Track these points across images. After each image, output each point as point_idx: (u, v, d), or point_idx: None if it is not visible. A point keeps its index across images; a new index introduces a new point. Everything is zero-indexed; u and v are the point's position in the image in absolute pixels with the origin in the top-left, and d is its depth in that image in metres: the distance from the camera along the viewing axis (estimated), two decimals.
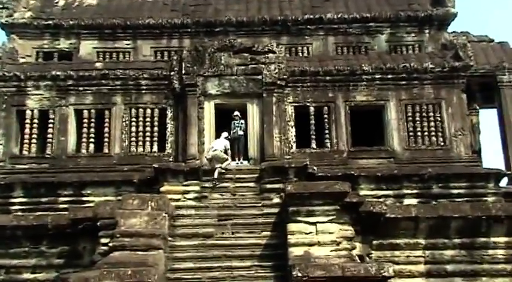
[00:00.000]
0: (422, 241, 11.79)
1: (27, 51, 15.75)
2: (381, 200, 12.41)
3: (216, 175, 12.53)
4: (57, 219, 11.75)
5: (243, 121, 13.90)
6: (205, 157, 13.03)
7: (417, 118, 14.29)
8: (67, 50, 15.90)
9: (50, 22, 15.81)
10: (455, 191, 13.28)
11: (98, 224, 10.67)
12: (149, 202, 10.54)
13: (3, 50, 14.64)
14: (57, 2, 16.63)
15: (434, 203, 12.87)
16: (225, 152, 13.04)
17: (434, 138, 14.19)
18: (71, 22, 15.82)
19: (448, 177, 13.39)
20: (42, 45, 15.89)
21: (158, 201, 10.64)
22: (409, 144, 14.13)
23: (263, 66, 13.98)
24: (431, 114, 14.33)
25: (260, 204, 11.99)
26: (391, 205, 11.97)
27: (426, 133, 14.21)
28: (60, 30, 15.89)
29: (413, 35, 16.36)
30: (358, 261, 10.43)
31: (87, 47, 15.93)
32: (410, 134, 14.21)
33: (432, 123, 14.27)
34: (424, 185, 13.40)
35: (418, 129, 14.23)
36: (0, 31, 15.95)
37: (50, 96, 14.18)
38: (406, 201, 13.11)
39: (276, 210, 11.61)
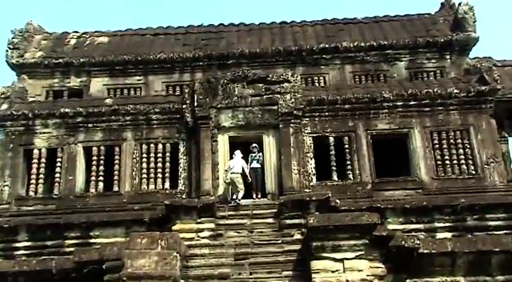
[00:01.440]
0: (461, 279, 10.68)
1: (37, 90, 15.44)
2: (412, 234, 11.43)
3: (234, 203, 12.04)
4: (62, 264, 10.94)
5: (260, 154, 13.18)
6: (224, 181, 12.47)
7: (444, 146, 13.42)
8: (77, 88, 15.56)
9: (60, 60, 15.55)
10: (492, 223, 12.21)
11: (104, 266, 9.82)
12: (159, 241, 9.74)
13: (12, 90, 14.26)
14: (68, 41, 16.42)
15: (470, 236, 11.83)
16: (243, 173, 12.50)
17: (464, 167, 13.25)
18: (81, 60, 15.55)
19: (483, 207, 12.34)
20: (52, 84, 15.59)
21: (169, 239, 9.82)
22: (437, 173, 13.20)
23: (278, 96, 13.38)
24: (459, 141, 13.47)
25: (280, 241, 11.10)
26: (424, 239, 10.94)
27: (455, 161, 13.30)
28: (70, 68, 15.61)
29: (433, 61, 15.75)
30: None
31: (98, 85, 15.57)
32: (438, 162, 13.30)
33: (461, 151, 13.37)
34: (457, 217, 12.37)
35: (446, 157, 13.33)
36: (11, 71, 15.70)
37: (59, 134, 13.67)
38: (439, 236, 12.09)
39: (297, 247, 10.71)
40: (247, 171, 12.63)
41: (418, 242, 10.47)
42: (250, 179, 12.73)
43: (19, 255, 12.24)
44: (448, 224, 12.31)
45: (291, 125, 13.27)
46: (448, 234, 12.06)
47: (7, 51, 15.33)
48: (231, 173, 12.50)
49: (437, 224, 12.32)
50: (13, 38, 15.55)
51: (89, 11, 40.66)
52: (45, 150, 13.57)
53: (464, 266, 10.71)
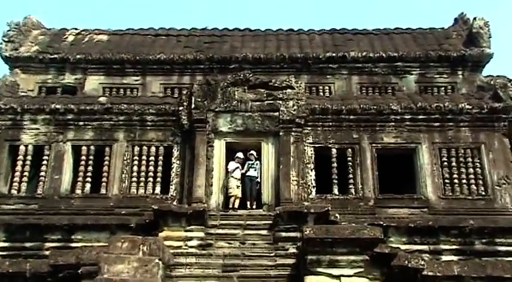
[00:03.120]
0: None
1: (30, 86, 14.83)
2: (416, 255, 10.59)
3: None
4: (38, 267, 10.17)
5: (258, 162, 12.46)
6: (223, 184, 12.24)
7: (453, 163, 12.66)
8: (71, 85, 14.92)
9: (55, 56, 14.95)
10: (502, 248, 11.38)
11: (80, 271, 9.02)
12: (140, 246, 8.94)
13: (2, 83, 13.66)
14: (66, 38, 15.87)
15: (478, 260, 10.98)
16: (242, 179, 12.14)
17: (474, 187, 12.46)
18: (77, 56, 14.95)
19: (493, 231, 11.53)
20: (45, 80, 14.97)
21: (151, 245, 9.02)
22: (445, 192, 12.41)
23: (280, 102, 12.68)
24: (469, 159, 12.70)
25: (273, 254, 10.32)
26: (429, 260, 10.11)
27: (464, 181, 12.52)
28: (65, 64, 15.00)
29: (445, 76, 15.08)
30: None
31: (93, 83, 14.93)
32: (446, 181, 12.52)
33: (471, 170, 12.60)
34: (464, 240, 11.55)
35: (455, 176, 12.55)
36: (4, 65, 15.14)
37: (47, 131, 12.97)
38: (444, 258, 11.25)
39: (291, 261, 9.93)
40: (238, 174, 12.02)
41: (422, 262, 9.68)
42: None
43: None
44: (454, 247, 11.49)
45: (292, 133, 12.56)
46: (454, 258, 11.22)
47: (1, 43, 14.78)
48: (232, 177, 11.97)
49: (443, 246, 11.51)
50: (8, 30, 15.01)
51: (93, 12, 40.52)
52: (32, 147, 12.87)
53: None
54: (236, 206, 12.02)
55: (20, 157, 12.79)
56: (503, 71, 31.68)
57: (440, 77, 15.08)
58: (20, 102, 13.23)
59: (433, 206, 12.23)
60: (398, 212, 12.14)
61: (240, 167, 12.34)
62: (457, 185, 12.47)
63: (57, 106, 13.05)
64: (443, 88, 14.89)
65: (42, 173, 12.64)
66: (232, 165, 12.35)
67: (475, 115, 12.92)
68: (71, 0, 40.94)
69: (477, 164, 12.64)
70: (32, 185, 12.80)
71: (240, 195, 12.17)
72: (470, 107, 12.96)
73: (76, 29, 16.26)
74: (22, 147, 12.87)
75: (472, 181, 12.49)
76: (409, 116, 12.93)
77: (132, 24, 34.36)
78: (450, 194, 12.41)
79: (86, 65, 14.99)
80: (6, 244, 11.70)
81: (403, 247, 11.21)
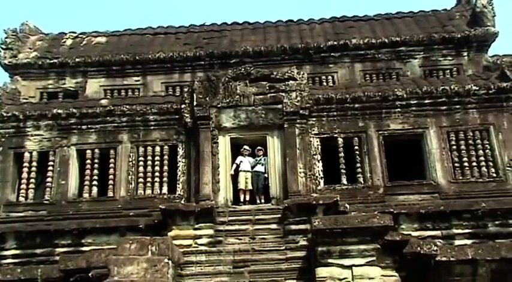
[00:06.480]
0: None
1: (31, 92, 14.79)
2: (428, 240, 10.44)
3: None
4: (48, 272, 10.19)
5: (265, 157, 12.33)
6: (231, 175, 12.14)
7: (462, 147, 12.44)
8: (73, 89, 14.87)
9: (55, 61, 14.88)
10: None
11: (90, 275, 8.97)
12: (149, 246, 8.89)
13: (3, 91, 13.61)
14: (64, 42, 15.80)
15: (492, 243, 10.79)
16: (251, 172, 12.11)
17: (484, 169, 12.25)
18: (77, 60, 14.87)
19: (505, 212, 11.36)
20: (46, 86, 14.92)
21: (160, 244, 8.95)
22: (455, 176, 12.21)
23: (283, 94, 12.51)
24: (478, 141, 12.49)
25: (283, 248, 10.18)
26: (442, 246, 9.94)
27: (474, 163, 12.30)
28: (65, 68, 14.93)
29: (450, 58, 14.82)
30: None
31: (94, 86, 14.86)
32: (456, 165, 12.32)
33: (481, 152, 12.38)
34: (477, 223, 11.39)
35: (465, 159, 12.35)
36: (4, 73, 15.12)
37: (51, 136, 12.91)
38: (457, 243, 11.09)
39: (302, 253, 9.79)
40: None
41: (435, 248, 9.52)
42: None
43: (6, 264, 11.46)
44: (467, 230, 11.33)
45: (297, 125, 12.39)
46: (468, 241, 11.07)
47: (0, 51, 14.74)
48: (240, 170, 11.88)
49: (455, 231, 11.35)
50: (6, 38, 14.95)
51: (90, 13, 40.49)
52: (37, 154, 12.82)
53: (487, 275, 9.76)
54: (247, 199, 11.94)
55: (26, 164, 12.75)
56: (510, 50, 31.15)
57: (445, 60, 14.83)
58: (22, 109, 13.18)
59: (444, 191, 12.04)
60: (409, 199, 11.96)
61: (248, 160, 12.22)
62: (467, 168, 12.27)
63: (59, 111, 12.98)
64: (448, 71, 14.63)
65: (49, 179, 12.60)
66: (240, 158, 12.25)
67: (483, 96, 12.68)
68: (66, 4, 40.92)
69: (487, 145, 12.42)
70: (40, 192, 12.77)
71: (250, 187, 12.09)
72: (477, 88, 12.72)
73: (74, 32, 16.17)
74: (27, 154, 12.84)
75: (483, 163, 12.27)
76: (415, 101, 12.72)
77: (129, 25, 34.39)
78: (460, 177, 12.21)
79: (85, 68, 14.92)
80: (17, 251, 11.71)
81: (414, 234, 11.08)
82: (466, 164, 12.29)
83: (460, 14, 15.60)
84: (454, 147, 12.41)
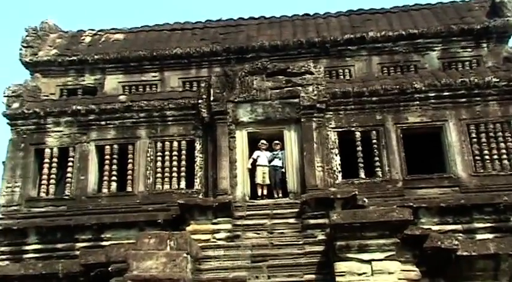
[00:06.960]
0: None
1: (51, 89, 14.98)
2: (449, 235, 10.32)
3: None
4: (69, 267, 10.34)
5: (283, 151, 12.31)
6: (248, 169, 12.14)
7: (483, 139, 12.26)
8: (92, 85, 15.03)
9: (74, 58, 15.05)
10: None
11: (109, 269, 9.07)
12: (168, 241, 8.94)
13: (24, 88, 13.79)
14: (83, 39, 15.96)
15: None
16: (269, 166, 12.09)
17: (506, 162, 12.07)
18: (95, 57, 15.02)
19: None
20: (66, 82, 15.11)
21: (178, 239, 9.01)
22: (476, 169, 12.05)
23: (300, 88, 12.47)
24: (499, 134, 12.30)
25: (302, 242, 10.16)
26: (463, 240, 9.82)
27: (496, 156, 12.12)
28: (84, 65, 15.10)
29: (469, 50, 14.61)
30: None
31: (112, 82, 14.99)
32: (477, 158, 12.16)
33: (502, 145, 12.19)
34: (499, 217, 11.25)
35: (486, 152, 12.17)
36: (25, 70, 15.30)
37: (71, 132, 13.08)
38: (479, 237, 10.96)
39: (320, 248, 9.75)
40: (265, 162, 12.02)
41: (456, 242, 9.41)
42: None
43: (28, 258, 11.68)
44: (489, 225, 11.20)
45: (314, 119, 12.35)
46: (490, 236, 10.94)
47: (21, 49, 14.92)
48: (258, 165, 11.88)
49: (476, 225, 11.22)
50: (27, 36, 15.16)
51: (108, 11, 40.80)
52: (57, 150, 12.99)
53: (510, 270, 9.61)
54: (265, 193, 11.95)
55: (46, 160, 12.93)
56: None
57: (464, 51, 14.63)
58: (43, 106, 13.36)
59: (464, 184, 11.89)
60: (428, 193, 11.84)
61: (265, 154, 12.23)
62: (488, 161, 12.09)
63: (79, 107, 13.13)
64: (467, 62, 14.44)
65: (69, 175, 12.76)
66: (257, 153, 12.26)
67: (503, 88, 12.47)
68: (85, 2, 41.31)
69: (508, 138, 12.22)
70: (60, 187, 12.95)
71: (267, 182, 12.10)
72: (497, 80, 12.52)
73: (92, 29, 16.33)
74: (47, 150, 13.01)
75: (504, 156, 12.09)
76: (434, 94, 12.57)
77: (147, 21, 34.49)
78: (481, 170, 12.04)
79: (104, 65, 15.07)
80: (38, 246, 11.91)
81: (435, 228, 10.98)
82: (487, 156, 12.12)
83: (479, 5, 15.35)
84: (475, 140, 12.25)
